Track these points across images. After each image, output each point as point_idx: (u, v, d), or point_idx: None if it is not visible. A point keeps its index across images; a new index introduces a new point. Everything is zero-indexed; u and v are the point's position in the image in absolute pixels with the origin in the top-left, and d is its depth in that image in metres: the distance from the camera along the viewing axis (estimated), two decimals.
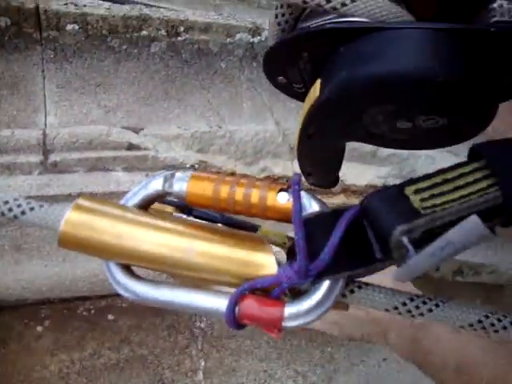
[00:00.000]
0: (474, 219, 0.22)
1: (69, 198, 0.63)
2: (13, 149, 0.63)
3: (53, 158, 0.65)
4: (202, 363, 0.72)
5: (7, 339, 0.64)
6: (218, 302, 0.28)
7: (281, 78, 0.33)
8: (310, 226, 0.28)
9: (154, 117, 0.75)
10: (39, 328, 0.66)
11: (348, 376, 0.77)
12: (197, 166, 0.72)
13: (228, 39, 0.73)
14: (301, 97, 0.33)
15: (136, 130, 0.71)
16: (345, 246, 0.27)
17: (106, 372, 0.68)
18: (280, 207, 0.29)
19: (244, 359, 0.74)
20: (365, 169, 0.79)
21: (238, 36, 0.74)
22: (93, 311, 0.68)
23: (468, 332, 0.42)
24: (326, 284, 0.28)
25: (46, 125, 0.66)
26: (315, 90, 0.29)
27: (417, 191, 0.26)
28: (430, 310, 0.29)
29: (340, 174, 0.41)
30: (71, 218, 0.29)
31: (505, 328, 0.29)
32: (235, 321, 0.28)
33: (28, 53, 0.66)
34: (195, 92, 0.76)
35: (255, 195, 0.30)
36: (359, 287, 0.29)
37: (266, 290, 0.28)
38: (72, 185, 0.64)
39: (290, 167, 0.80)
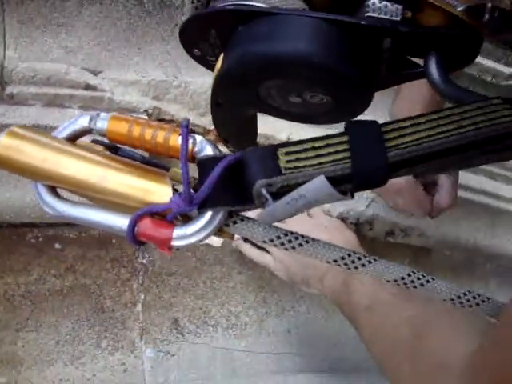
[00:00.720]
0: (320, 178, 0.28)
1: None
2: None
3: (10, 89, 0.68)
4: (142, 296, 0.77)
5: None
6: (121, 222, 0.33)
7: (196, 50, 0.39)
8: (201, 165, 0.33)
9: (113, 62, 0.78)
10: None
11: (278, 320, 0.83)
12: (150, 111, 0.76)
13: None
14: (214, 68, 0.38)
15: (95, 73, 0.74)
16: (223, 184, 0.32)
17: (51, 297, 0.73)
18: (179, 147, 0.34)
19: (181, 296, 0.79)
20: None
21: None
22: (40, 239, 0.72)
23: None
24: (208, 214, 0.33)
25: (4, 57, 0.69)
26: (219, 63, 0.35)
27: (287, 153, 0.31)
28: (298, 246, 0.35)
29: None
30: (4, 142, 0.34)
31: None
32: (134, 237, 0.33)
33: None
34: (155, 42, 0.79)
35: (161, 136, 0.34)
36: (241, 220, 0.35)
37: (163, 215, 0.33)
38: (28, 117, 0.67)
39: None
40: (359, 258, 0.36)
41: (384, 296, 0.60)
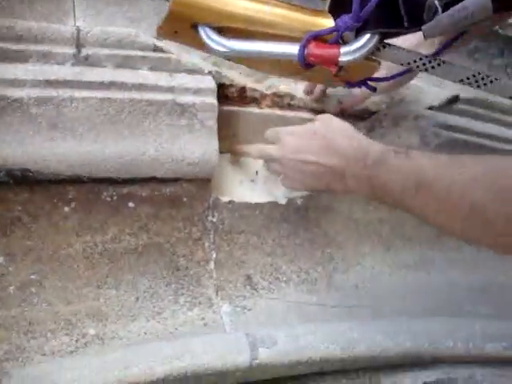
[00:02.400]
0: None
1: (102, 85, 0.68)
2: (49, 39, 0.68)
3: (85, 51, 0.70)
4: (214, 254, 0.77)
5: (38, 217, 0.68)
6: (290, 48, 0.36)
7: None
8: None
9: None
10: (66, 209, 0.70)
11: (346, 275, 0.83)
12: (214, 72, 0.78)
13: None
14: None
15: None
16: (381, 11, 0.35)
17: (126, 256, 0.72)
18: None
19: (252, 253, 0.79)
20: None
21: None
22: (115, 197, 0.72)
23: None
24: (366, 36, 0.36)
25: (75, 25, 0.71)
26: None
27: None
28: (434, 67, 0.38)
29: None
30: None
31: (491, 82, 0.39)
32: (304, 60, 0.35)
33: None
34: None
35: None
36: (389, 45, 0.39)
37: (325, 40, 0.36)
38: (103, 76, 0.69)
39: (294, 87, 0.86)
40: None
41: (426, 171, 0.56)
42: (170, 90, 0.72)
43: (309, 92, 0.85)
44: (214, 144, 0.74)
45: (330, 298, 0.80)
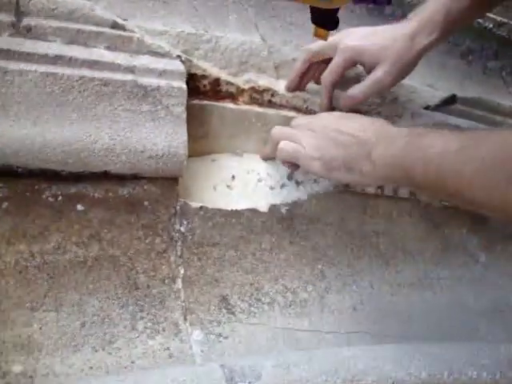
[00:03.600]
0: None
1: (45, 58, 0.56)
2: None
3: (27, 21, 0.58)
4: (182, 270, 0.62)
5: None
6: None
7: None
8: None
9: (137, 13, 0.70)
10: None
11: (341, 295, 0.69)
12: (184, 59, 0.67)
13: None
14: None
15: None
16: None
17: (72, 270, 0.57)
18: None
19: (228, 270, 0.65)
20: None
21: None
22: (60, 198, 0.58)
23: None
24: None
25: None
26: None
27: None
28: None
29: None
30: None
31: None
32: None
33: None
34: None
35: None
36: None
37: None
38: (47, 47, 0.57)
39: (275, 82, 0.75)
40: None
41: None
42: (131, 69, 0.60)
43: (291, 88, 0.74)
44: (182, 135, 0.61)
45: (324, 322, 0.66)
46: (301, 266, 0.69)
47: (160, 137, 0.60)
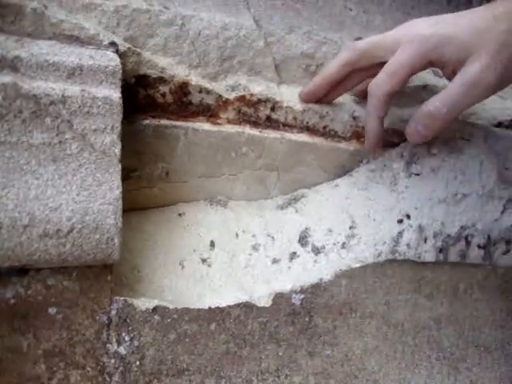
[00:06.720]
0: None
1: None
2: None
3: None
4: None
5: None
6: None
7: None
8: None
9: None
10: None
11: None
12: (123, 49, 0.38)
13: None
14: None
15: None
16: None
17: None
18: None
19: None
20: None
21: None
22: None
23: None
24: None
25: None
26: None
27: None
28: None
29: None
30: None
31: None
32: None
33: None
34: None
35: None
36: None
37: None
38: None
39: (276, 89, 0.47)
40: None
41: None
42: (10, 64, 0.31)
43: (311, 99, 0.46)
44: (112, 188, 0.33)
45: None
46: None
47: (66, 195, 0.31)
